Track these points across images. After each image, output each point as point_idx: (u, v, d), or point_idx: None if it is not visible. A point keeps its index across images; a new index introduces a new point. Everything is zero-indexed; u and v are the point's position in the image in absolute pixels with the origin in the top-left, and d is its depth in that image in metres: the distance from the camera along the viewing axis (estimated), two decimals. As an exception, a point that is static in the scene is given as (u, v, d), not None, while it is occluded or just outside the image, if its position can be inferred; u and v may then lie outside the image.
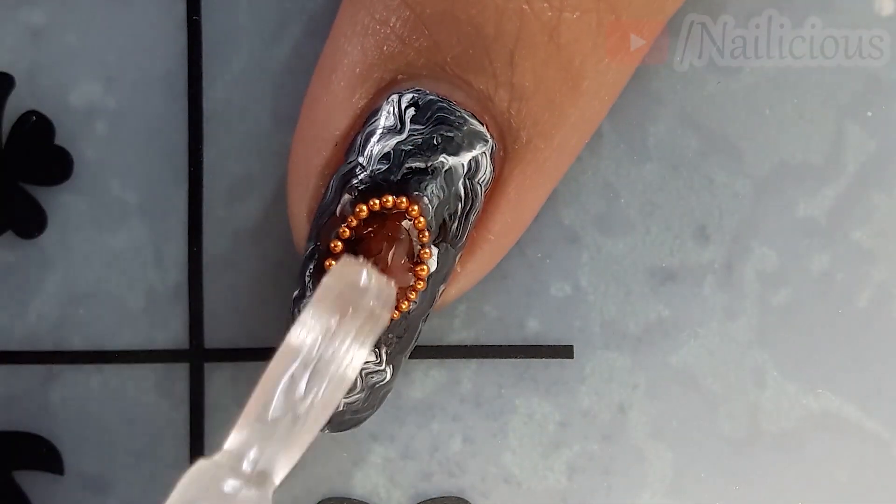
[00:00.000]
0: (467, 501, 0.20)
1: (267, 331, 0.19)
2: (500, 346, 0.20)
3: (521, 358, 0.20)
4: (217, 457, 0.15)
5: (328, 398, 0.16)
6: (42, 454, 0.20)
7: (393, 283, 0.17)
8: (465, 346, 0.20)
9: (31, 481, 0.20)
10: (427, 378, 0.20)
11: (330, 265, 0.17)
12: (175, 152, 0.20)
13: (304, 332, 0.16)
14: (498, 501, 0.20)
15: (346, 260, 0.17)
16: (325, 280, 0.16)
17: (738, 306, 0.21)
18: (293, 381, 0.16)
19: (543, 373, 0.20)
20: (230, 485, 0.15)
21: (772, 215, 0.21)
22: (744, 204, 0.21)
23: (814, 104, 0.21)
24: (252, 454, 0.16)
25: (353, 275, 0.16)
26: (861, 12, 0.20)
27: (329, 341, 0.16)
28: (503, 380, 0.20)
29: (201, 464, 0.15)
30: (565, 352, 0.20)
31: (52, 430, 0.20)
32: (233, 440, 0.16)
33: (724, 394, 0.20)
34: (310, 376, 0.16)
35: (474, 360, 0.20)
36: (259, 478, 0.15)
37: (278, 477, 0.16)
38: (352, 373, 0.16)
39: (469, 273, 0.19)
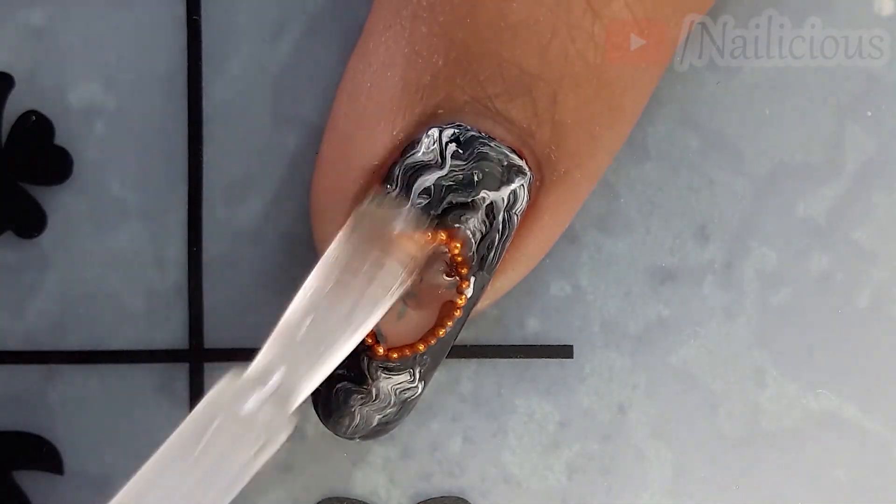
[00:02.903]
0: (467, 501, 0.20)
1: (267, 331, 0.19)
2: (500, 345, 0.20)
3: (520, 358, 0.20)
4: (242, 376, 0.16)
5: (362, 319, 0.16)
6: (42, 454, 0.20)
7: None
8: (465, 345, 0.20)
9: (31, 481, 0.20)
10: (427, 378, 0.20)
11: None
12: (175, 152, 0.20)
13: (339, 249, 0.16)
14: (498, 501, 0.20)
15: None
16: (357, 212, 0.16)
17: (737, 306, 0.21)
18: (326, 300, 0.16)
19: (543, 373, 0.20)
20: (251, 402, 0.15)
21: (771, 215, 0.21)
22: (744, 204, 0.21)
23: (814, 104, 0.20)
24: (276, 373, 0.16)
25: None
26: (861, 12, 0.20)
27: (363, 261, 0.16)
28: (503, 380, 0.20)
29: (222, 383, 0.16)
30: (565, 352, 0.20)
31: (51, 430, 0.20)
32: (258, 360, 0.16)
33: (724, 394, 0.20)
34: (342, 295, 0.16)
35: (474, 359, 0.20)
36: (281, 396, 0.16)
37: (300, 397, 0.16)
38: (389, 297, 0.16)
39: (497, 291, 0.19)
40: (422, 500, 0.20)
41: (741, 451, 0.20)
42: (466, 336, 0.20)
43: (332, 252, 0.16)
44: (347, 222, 0.17)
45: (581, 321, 0.21)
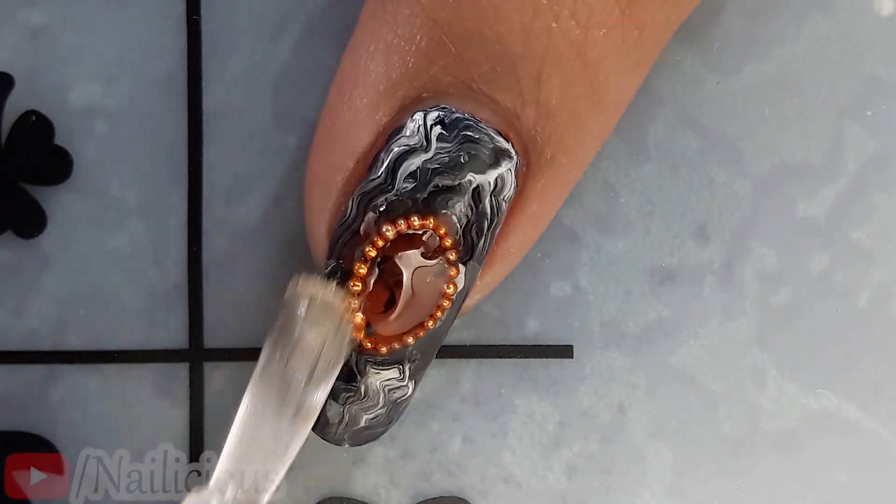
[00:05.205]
0: (467, 501, 0.20)
1: (267, 331, 0.19)
2: (500, 345, 0.20)
3: (520, 358, 0.20)
4: (207, 485, 0.16)
5: (313, 406, 0.17)
6: (42, 454, 0.20)
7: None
8: (465, 346, 0.20)
9: (31, 481, 0.20)
10: (427, 378, 0.20)
11: (355, 286, 0.17)
12: (175, 152, 0.20)
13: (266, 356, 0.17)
14: (498, 501, 0.20)
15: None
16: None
17: (737, 306, 0.21)
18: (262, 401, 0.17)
19: (543, 373, 0.20)
20: None
21: (771, 215, 0.21)
22: (744, 204, 0.21)
23: (814, 104, 0.21)
24: (237, 476, 0.16)
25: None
26: (861, 12, 0.20)
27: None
28: (503, 380, 0.20)
29: (190, 498, 0.16)
30: (565, 352, 0.20)
31: (52, 430, 0.20)
32: (219, 466, 0.16)
33: (724, 394, 0.20)
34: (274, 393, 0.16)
35: (474, 360, 0.20)
36: (248, 497, 0.16)
37: (267, 495, 0.16)
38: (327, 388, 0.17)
39: (487, 285, 0.19)
40: (422, 500, 0.20)
41: (741, 451, 0.20)
42: (466, 336, 0.20)
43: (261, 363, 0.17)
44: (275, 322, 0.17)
45: (581, 321, 0.21)
